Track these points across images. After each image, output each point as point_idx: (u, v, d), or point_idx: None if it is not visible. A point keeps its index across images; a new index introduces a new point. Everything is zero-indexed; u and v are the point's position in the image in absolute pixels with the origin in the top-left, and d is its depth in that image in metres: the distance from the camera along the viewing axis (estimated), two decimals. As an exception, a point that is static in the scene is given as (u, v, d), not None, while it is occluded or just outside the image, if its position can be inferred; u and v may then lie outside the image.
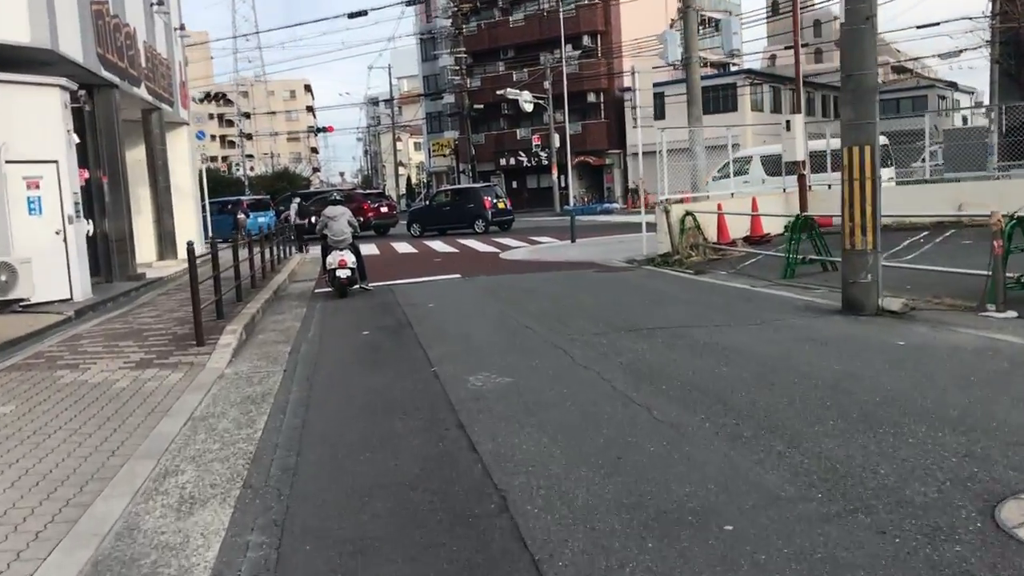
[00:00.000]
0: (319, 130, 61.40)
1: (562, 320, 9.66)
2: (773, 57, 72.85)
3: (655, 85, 48.70)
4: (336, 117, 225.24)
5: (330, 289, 14.08)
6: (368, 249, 25.93)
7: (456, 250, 23.52)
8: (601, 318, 9.64)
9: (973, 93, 71.34)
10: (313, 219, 30.63)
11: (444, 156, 60.76)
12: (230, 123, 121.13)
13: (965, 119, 67.90)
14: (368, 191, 38.80)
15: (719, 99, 45.71)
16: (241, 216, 29.22)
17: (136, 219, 22.36)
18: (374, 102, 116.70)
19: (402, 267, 19.08)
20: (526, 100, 43.94)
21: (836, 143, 21.22)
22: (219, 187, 64.69)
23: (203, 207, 30.63)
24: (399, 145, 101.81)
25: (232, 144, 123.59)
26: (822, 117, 58.88)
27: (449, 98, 62.62)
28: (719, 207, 17.15)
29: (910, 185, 21.96)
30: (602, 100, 50.17)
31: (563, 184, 46.65)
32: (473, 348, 8.44)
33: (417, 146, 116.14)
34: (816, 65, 69.61)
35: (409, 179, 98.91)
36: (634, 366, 7.16)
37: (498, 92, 45.76)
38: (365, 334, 9.92)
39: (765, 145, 29.60)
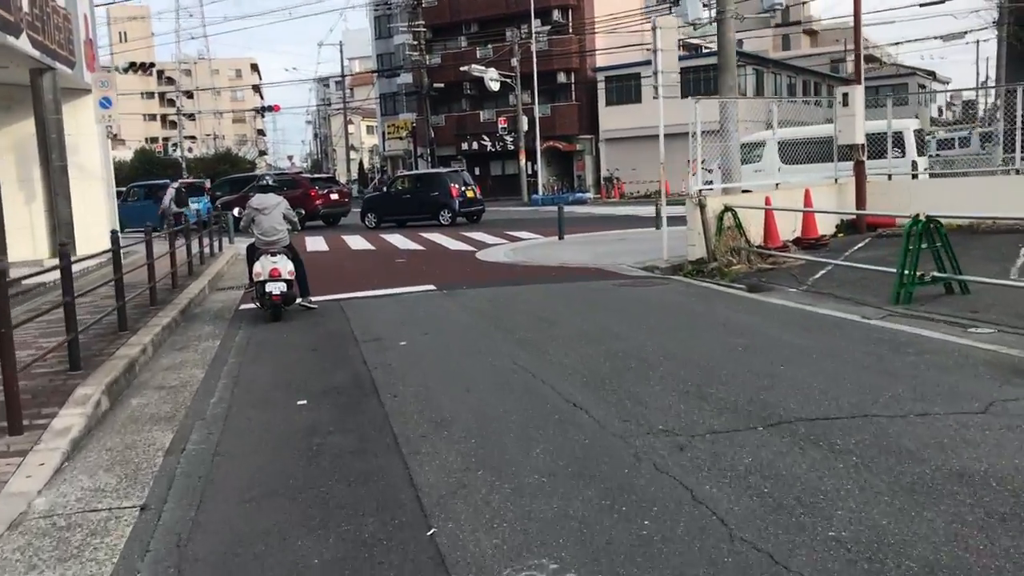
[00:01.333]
0: (263, 109, 56.92)
1: (631, 391, 5.86)
2: (740, 43, 69.68)
3: (627, 66, 45.20)
4: (285, 98, 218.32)
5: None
6: (316, 244, 22.04)
7: (421, 247, 19.67)
8: (693, 387, 5.90)
9: (949, 82, 69.12)
10: (237, 211, 26.63)
11: (400, 139, 56.55)
12: (172, 102, 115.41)
13: (940, 110, 65.63)
14: (316, 175, 34.58)
15: (699, 82, 42.28)
16: (166, 202, 25.07)
17: (26, 207, 18.20)
18: (324, 82, 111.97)
19: (357, 271, 15.21)
20: (492, 78, 40.09)
21: (898, 124, 17.80)
22: (155, 169, 60.08)
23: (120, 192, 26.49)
24: (351, 128, 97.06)
25: (174, 125, 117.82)
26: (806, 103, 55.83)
27: (406, 77, 58.40)
28: (767, 201, 13.55)
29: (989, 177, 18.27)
30: (573, 81, 46.44)
31: (531, 171, 42.94)
32: (496, 463, 4.62)
33: (370, 129, 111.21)
34: (784, 52, 66.63)
35: (361, 164, 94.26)
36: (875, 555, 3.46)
37: (461, 69, 41.82)
38: (302, 404, 6.10)
39: (783, 129, 26.09)
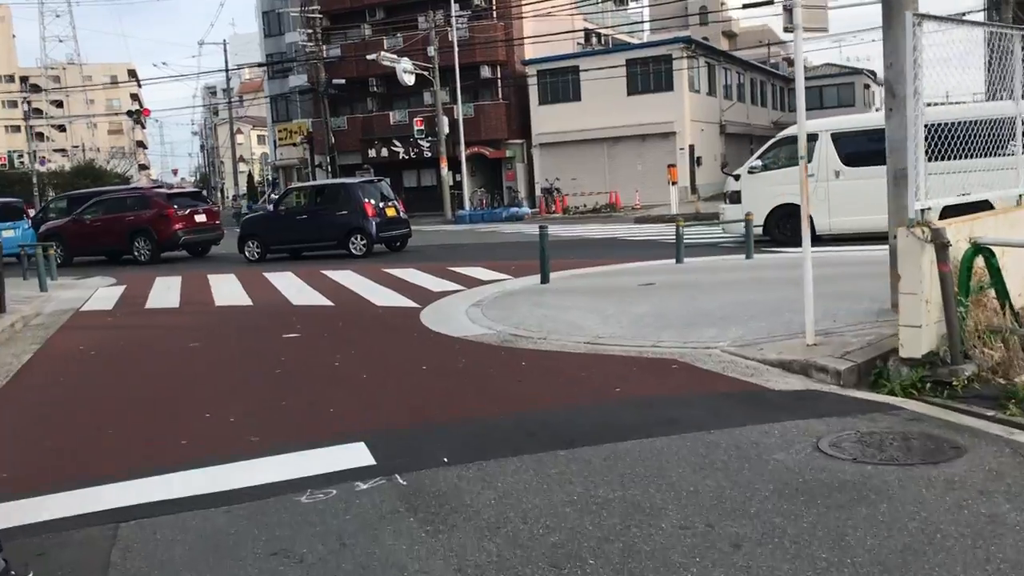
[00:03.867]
0: (133, 113, 48.53)
1: None
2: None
3: (564, 57, 38.69)
4: (171, 108, 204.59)
5: None
6: (163, 293, 14.60)
7: (327, 300, 12.47)
8: None
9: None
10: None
11: (295, 145, 48.61)
12: (39, 112, 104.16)
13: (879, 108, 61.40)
14: (176, 189, 26.71)
15: (647, 76, 36.17)
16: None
17: None
18: (211, 89, 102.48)
19: (205, 373, 8.01)
20: (405, 70, 32.98)
21: None
22: (-1, 185, 50.89)
23: None
24: (240, 138, 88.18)
25: (41, 136, 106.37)
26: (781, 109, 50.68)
27: (301, 79, 50.79)
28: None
29: None
30: (499, 75, 39.68)
31: (452, 182, 36.00)
32: None
33: (261, 139, 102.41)
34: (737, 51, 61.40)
35: (251, 176, 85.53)
36: None
37: (368, 57, 34.54)
38: None
39: (832, 118, 19.81)
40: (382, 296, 12.51)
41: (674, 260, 13.72)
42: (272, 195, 46.20)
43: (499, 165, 40.10)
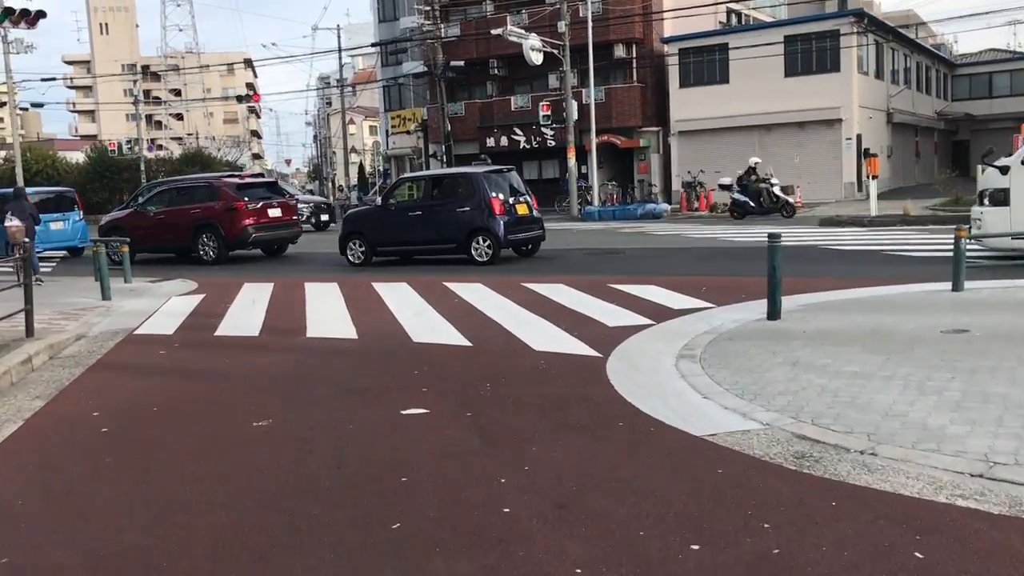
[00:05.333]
0: (243, 98, 46.64)
1: None
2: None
3: (709, 34, 34.20)
4: (285, 100, 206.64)
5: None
6: (246, 301, 11.37)
7: (459, 335, 8.75)
8: None
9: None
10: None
11: (408, 133, 45.51)
12: (158, 100, 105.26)
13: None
14: (247, 177, 22.97)
15: (809, 55, 31.49)
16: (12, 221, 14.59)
17: None
18: (325, 80, 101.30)
19: (259, 509, 4.32)
20: (533, 47, 29.26)
21: None
22: (108, 172, 49.72)
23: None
24: (352, 128, 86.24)
25: (160, 125, 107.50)
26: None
27: (414, 64, 47.79)
28: None
29: None
30: (634, 55, 35.50)
31: (578, 173, 32.16)
32: None
33: (373, 130, 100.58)
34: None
35: (362, 167, 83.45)
36: None
37: (494, 32, 30.96)
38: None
39: None
40: (535, 330, 8.79)
41: (949, 286, 9.56)
42: (382, 186, 43.32)
43: (630, 155, 35.98)
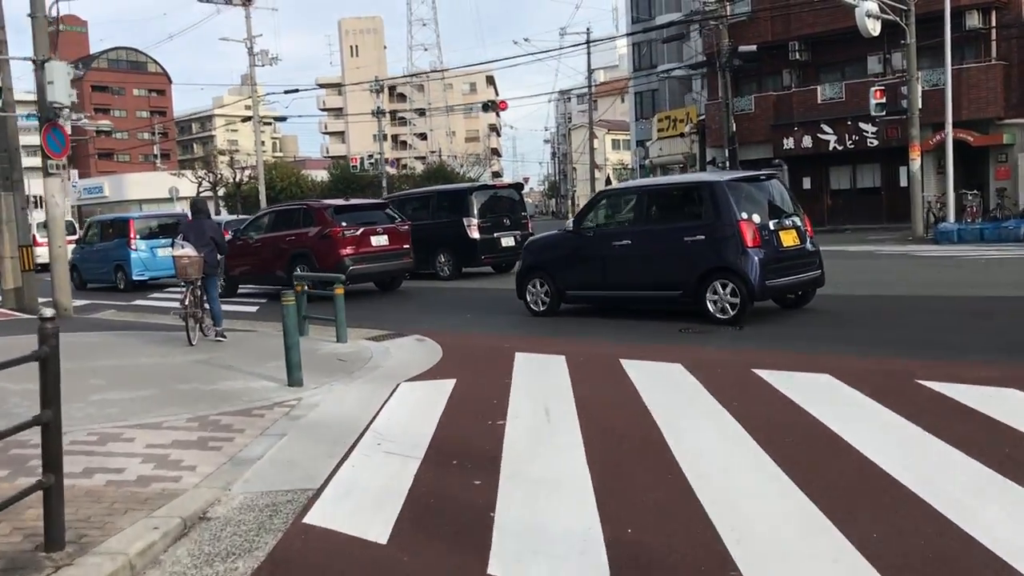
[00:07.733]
0: (489, 105, 44.35)
1: None
2: None
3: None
4: (525, 119, 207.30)
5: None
6: (534, 404, 5.68)
7: (856, 554, 3.27)
8: None
9: None
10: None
11: (682, 136, 39.34)
12: (403, 121, 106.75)
13: None
14: (353, 201, 18.04)
15: None
16: (187, 250, 10.61)
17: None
18: (565, 95, 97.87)
19: None
20: (871, 13, 22.62)
21: None
22: (350, 188, 48.63)
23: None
24: (595, 143, 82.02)
25: (404, 144, 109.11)
26: None
27: (670, 64, 42.42)
28: None
29: None
30: (992, 24, 27.69)
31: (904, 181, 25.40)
32: None
33: (615, 144, 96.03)
34: None
35: (608, 181, 78.67)
36: None
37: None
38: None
39: None
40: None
41: None
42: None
43: (982, 156, 27.89)
